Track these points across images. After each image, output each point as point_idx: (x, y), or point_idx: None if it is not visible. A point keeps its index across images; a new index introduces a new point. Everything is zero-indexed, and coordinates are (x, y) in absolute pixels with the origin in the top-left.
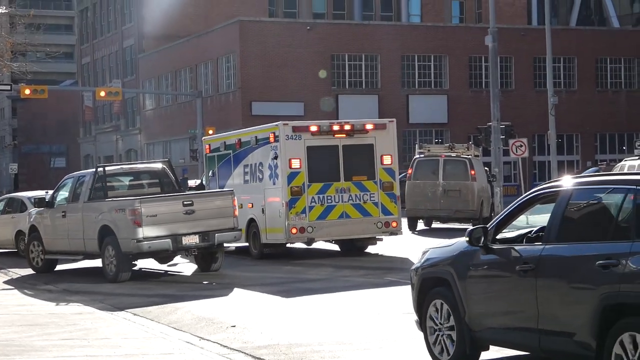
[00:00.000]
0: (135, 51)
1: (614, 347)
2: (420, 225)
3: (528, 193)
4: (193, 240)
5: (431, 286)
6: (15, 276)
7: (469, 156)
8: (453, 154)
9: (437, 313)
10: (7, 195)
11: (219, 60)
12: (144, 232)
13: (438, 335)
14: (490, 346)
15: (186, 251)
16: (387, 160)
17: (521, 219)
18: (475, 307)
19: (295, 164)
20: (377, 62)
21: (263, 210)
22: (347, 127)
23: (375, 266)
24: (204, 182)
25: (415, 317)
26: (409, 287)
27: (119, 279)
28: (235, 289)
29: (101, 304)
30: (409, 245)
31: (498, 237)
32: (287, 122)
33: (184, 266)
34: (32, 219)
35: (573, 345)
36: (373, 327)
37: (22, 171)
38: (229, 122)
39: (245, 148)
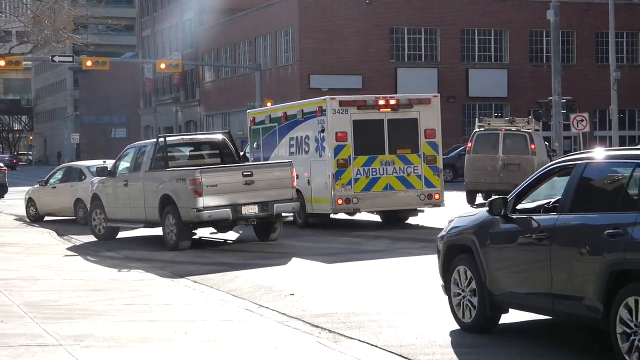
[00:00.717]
0: (195, 24)
1: (620, 310)
2: (479, 199)
3: (546, 166)
4: (252, 210)
5: (455, 253)
6: (78, 243)
7: (529, 130)
8: (513, 128)
9: (461, 278)
10: (66, 164)
11: (277, 34)
12: (204, 201)
13: (461, 299)
14: (510, 309)
15: (245, 221)
16: (430, 134)
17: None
18: (495, 272)
19: (342, 137)
20: (437, 36)
21: (309, 182)
22: (392, 102)
23: (434, 239)
24: (247, 154)
25: (441, 281)
26: None
27: (179, 247)
28: (293, 258)
29: (162, 271)
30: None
31: (518, 207)
32: (334, 96)
33: (233, 236)
34: (94, 188)
35: (583, 308)
36: (432, 298)
37: (83, 141)
38: (287, 95)
39: (291, 121)
